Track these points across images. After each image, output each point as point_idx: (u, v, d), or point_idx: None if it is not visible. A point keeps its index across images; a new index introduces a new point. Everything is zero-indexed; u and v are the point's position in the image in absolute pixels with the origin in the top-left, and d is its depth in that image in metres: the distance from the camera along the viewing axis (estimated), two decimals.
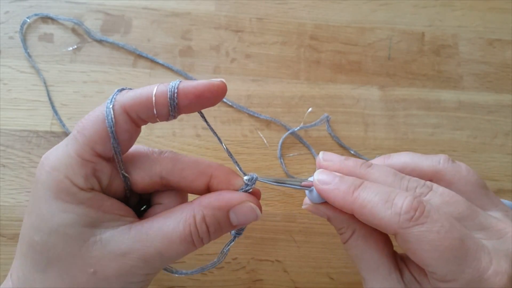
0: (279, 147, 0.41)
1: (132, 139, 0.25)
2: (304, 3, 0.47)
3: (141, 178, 0.25)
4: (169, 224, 0.24)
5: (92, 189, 0.24)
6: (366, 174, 0.24)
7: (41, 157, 0.24)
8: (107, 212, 0.24)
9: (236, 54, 0.44)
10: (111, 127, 0.23)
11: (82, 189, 0.23)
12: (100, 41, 0.42)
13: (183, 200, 0.27)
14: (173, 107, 0.23)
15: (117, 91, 0.24)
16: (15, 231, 0.36)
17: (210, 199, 0.25)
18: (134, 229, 0.23)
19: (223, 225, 0.25)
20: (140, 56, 0.42)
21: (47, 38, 0.42)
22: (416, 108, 0.44)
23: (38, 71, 0.40)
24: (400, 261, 0.24)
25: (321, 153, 0.26)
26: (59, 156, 0.23)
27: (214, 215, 0.24)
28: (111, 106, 0.23)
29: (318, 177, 0.24)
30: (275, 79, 0.43)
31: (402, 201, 0.21)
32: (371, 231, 0.24)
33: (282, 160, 0.40)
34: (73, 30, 0.42)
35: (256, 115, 0.41)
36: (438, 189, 0.23)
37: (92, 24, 0.43)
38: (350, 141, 0.42)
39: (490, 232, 0.22)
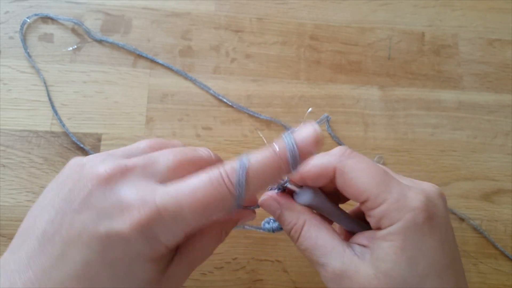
0: None
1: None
2: (304, 3, 0.47)
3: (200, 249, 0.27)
4: (207, 242, 0.26)
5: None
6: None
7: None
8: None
9: (236, 54, 0.44)
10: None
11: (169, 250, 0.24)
12: (100, 41, 0.42)
13: None
14: (296, 166, 0.24)
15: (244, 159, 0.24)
16: (15, 231, 0.36)
17: None
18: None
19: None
20: (140, 56, 0.42)
21: (47, 38, 0.42)
22: (416, 108, 0.44)
23: (38, 71, 0.40)
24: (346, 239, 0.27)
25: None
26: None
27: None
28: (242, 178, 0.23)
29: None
30: (275, 79, 0.43)
31: (336, 149, 0.26)
32: (320, 220, 0.26)
33: None
34: (73, 30, 0.42)
35: (256, 115, 0.41)
36: (357, 155, 0.27)
37: (92, 24, 0.43)
38: (350, 141, 0.42)
39: (407, 181, 0.26)
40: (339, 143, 0.42)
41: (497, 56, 0.47)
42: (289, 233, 0.27)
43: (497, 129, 0.44)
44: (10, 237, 0.35)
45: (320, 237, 0.25)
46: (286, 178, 0.26)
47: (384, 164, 0.42)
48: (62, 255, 0.21)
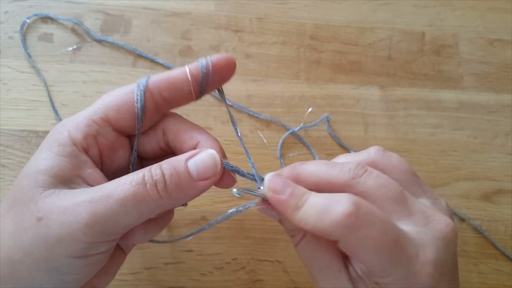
0: (279, 147, 0.41)
1: (150, 120, 0.26)
2: (304, 3, 0.47)
3: (148, 142, 0.27)
4: (125, 178, 0.23)
5: (86, 150, 0.24)
6: (300, 172, 0.25)
7: None
8: (83, 176, 0.24)
9: (236, 54, 0.44)
10: (139, 100, 0.25)
11: (75, 144, 0.24)
12: (100, 41, 0.42)
13: None
14: (204, 83, 0.25)
15: (147, 76, 0.26)
16: None
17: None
18: (93, 189, 0.23)
19: (180, 174, 0.23)
20: (140, 56, 0.42)
21: (47, 38, 0.42)
22: (416, 108, 0.44)
23: (38, 71, 0.40)
24: (347, 259, 0.25)
25: (267, 177, 0.25)
26: (72, 117, 0.25)
27: (170, 162, 0.24)
28: (145, 82, 0.25)
29: (269, 184, 0.24)
30: (275, 79, 0.43)
31: (340, 208, 0.21)
32: None
33: (282, 160, 0.40)
34: (73, 30, 0.42)
35: (256, 115, 0.41)
36: (373, 172, 0.24)
37: (92, 24, 0.43)
38: (350, 141, 0.42)
39: (418, 218, 0.23)
40: (339, 143, 0.42)
41: (497, 56, 0.47)
42: (290, 236, 0.26)
43: (497, 129, 0.44)
44: None
45: (317, 252, 0.24)
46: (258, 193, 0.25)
47: None
48: None
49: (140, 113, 0.25)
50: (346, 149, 0.41)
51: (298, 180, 0.25)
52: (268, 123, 0.42)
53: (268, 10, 0.46)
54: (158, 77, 0.25)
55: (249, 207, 0.26)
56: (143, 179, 0.23)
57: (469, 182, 0.42)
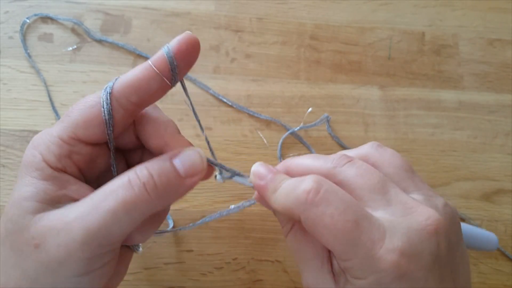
0: (279, 147, 0.41)
1: (123, 127, 0.25)
2: (304, 3, 0.47)
3: (124, 137, 0.26)
4: (111, 185, 0.23)
5: (63, 170, 0.24)
6: (289, 165, 0.26)
7: None
8: (70, 194, 0.23)
9: (236, 54, 0.44)
10: (106, 113, 0.23)
11: (51, 167, 0.23)
12: (99, 41, 0.42)
13: None
14: (175, 69, 0.23)
15: (114, 79, 0.24)
16: None
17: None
18: (81, 203, 0.23)
19: (168, 173, 0.23)
20: (140, 56, 0.42)
21: (47, 38, 0.42)
22: (417, 108, 0.44)
23: (38, 71, 0.40)
24: (331, 253, 0.25)
25: (254, 167, 0.27)
26: (42, 135, 0.24)
27: (156, 162, 0.23)
28: (109, 90, 0.23)
29: (254, 170, 0.26)
30: (275, 79, 0.43)
31: (302, 186, 0.23)
32: None
33: (282, 160, 0.40)
34: (73, 30, 0.42)
35: (256, 115, 0.41)
36: (357, 162, 0.24)
37: (92, 24, 0.43)
38: (350, 141, 0.42)
39: (396, 209, 0.23)
40: (339, 143, 0.42)
41: (498, 56, 0.47)
42: (281, 228, 0.27)
43: (497, 129, 0.44)
44: None
45: (303, 244, 0.24)
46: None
47: None
48: None
49: (110, 130, 0.24)
50: (346, 149, 0.41)
51: (288, 172, 0.26)
52: (268, 123, 0.42)
53: (268, 10, 0.46)
54: (122, 82, 0.24)
55: (252, 204, 0.27)
56: (129, 182, 0.22)
57: (469, 182, 0.42)
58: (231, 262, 0.37)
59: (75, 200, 0.23)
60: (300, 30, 0.46)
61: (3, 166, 0.37)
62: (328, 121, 0.42)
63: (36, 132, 0.38)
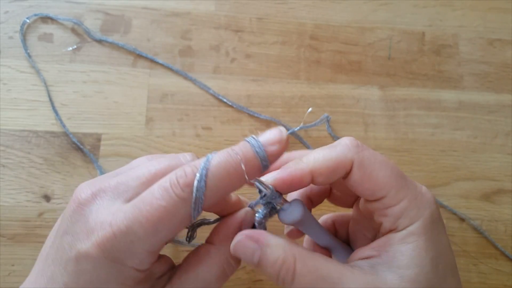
0: None
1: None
2: (304, 3, 0.47)
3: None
4: (204, 273, 0.24)
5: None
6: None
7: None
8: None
9: (236, 54, 0.44)
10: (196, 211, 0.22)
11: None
12: (99, 41, 0.42)
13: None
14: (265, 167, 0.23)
15: (205, 162, 0.22)
16: (14, 231, 0.36)
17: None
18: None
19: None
20: (140, 56, 0.42)
21: (47, 38, 0.42)
22: (417, 108, 0.44)
23: (38, 71, 0.40)
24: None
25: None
26: (126, 248, 0.22)
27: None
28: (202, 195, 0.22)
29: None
30: (275, 79, 0.43)
31: (342, 141, 0.23)
32: (307, 248, 0.26)
33: None
34: (73, 30, 0.42)
35: (256, 115, 0.41)
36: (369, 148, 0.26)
37: (92, 24, 0.43)
38: None
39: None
40: None
41: (498, 56, 0.47)
42: (277, 275, 0.22)
43: (497, 129, 0.44)
44: (9, 237, 0.35)
45: (321, 268, 0.22)
46: (270, 192, 0.23)
47: None
48: (51, 277, 0.22)
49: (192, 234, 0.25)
50: None
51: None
52: (268, 123, 0.42)
53: (268, 10, 0.46)
54: (214, 188, 0.22)
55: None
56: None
57: (469, 182, 0.42)
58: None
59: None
60: (300, 30, 0.46)
61: (3, 166, 0.37)
62: (328, 121, 0.42)
63: (36, 132, 0.38)
